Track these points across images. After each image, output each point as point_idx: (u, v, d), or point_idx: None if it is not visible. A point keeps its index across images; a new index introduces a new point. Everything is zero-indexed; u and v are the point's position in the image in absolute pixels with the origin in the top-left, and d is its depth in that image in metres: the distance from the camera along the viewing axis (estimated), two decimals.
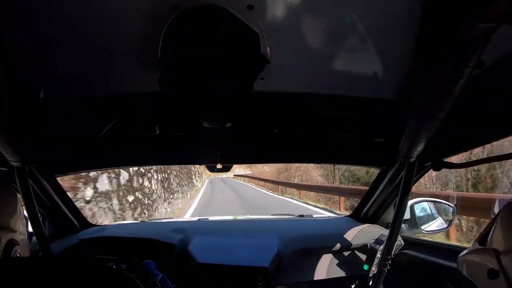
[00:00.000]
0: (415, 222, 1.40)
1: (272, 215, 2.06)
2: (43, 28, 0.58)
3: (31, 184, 0.99)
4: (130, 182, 5.44)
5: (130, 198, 5.34)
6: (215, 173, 1.39)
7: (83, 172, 3.40)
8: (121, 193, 4.84)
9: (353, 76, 0.75)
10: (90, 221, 1.59)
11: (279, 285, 1.27)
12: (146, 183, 6.65)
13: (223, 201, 12.07)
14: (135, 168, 5.75)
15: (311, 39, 0.64)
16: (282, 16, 0.57)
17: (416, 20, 0.50)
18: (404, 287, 1.33)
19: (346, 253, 1.38)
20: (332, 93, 0.83)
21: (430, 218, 1.49)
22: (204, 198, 13.72)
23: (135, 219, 5.37)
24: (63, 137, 1.03)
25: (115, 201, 4.61)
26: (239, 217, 1.98)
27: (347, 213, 1.81)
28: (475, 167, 8.13)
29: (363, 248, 1.35)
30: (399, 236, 1.18)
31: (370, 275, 1.24)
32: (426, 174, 1.19)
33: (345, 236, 1.37)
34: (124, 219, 4.80)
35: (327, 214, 6.79)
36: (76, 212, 1.47)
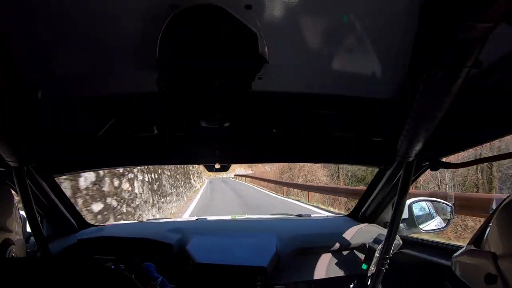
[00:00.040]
0: (413, 221, 1.41)
1: (270, 214, 2.06)
2: (41, 28, 0.58)
3: (29, 184, 0.99)
4: (99, 185, 4.27)
5: (97, 206, 4.16)
6: (215, 173, 1.39)
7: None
8: (80, 201, 3.72)
9: (352, 76, 0.75)
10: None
11: (278, 284, 1.27)
12: (126, 186, 5.40)
13: (223, 203, 11.17)
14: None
15: (309, 39, 0.64)
16: (280, 16, 0.57)
17: (415, 20, 0.50)
18: (403, 286, 1.33)
19: (344, 253, 1.38)
20: (330, 93, 0.84)
21: (428, 217, 1.49)
22: (202, 200, 12.76)
23: None
24: (61, 137, 1.03)
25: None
26: (238, 217, 1.98)
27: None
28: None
29: (362, 248, 1.36)
30: (397, 235, 1.18)
31: (368, 275, 1.25)
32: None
33: (344, 235, 1.37)
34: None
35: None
36: (75, 212, 1.46)
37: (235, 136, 1.14)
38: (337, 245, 1.33)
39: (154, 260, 1.20)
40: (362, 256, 1.34)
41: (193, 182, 18.40)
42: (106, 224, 1.98)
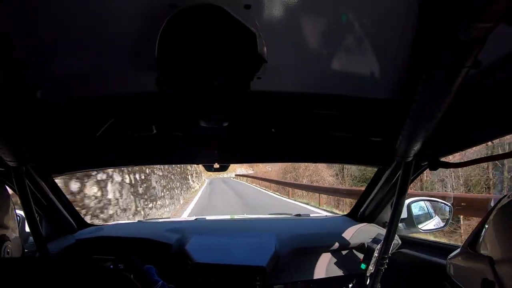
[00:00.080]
0: (412, 221, 1.41)
1: (269, 214, 2.06)
2: (41, 28, 0.58)
3: (28, 184, 0.99)
4: None
5: None
6: (215, 173, 1.39)
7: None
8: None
9: (351, 75, 0.75)
10: None
11: (277, 284, 1.27)
12: (92, 190, 4.30)
13: (224, 206, 10.27)
14: None
15: (308, 39, 0.64)
16: (279, 16, 0.57)
17: (414, 20, 0.50)
18: (402, 286, 1.33)
19: (343, 252, 1.38)
20: (329, 93, 0.84)
21: (427, 217, 1.50)
22: (201, 202, 11.82)
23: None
24: (60, 137, 1.03)
25: None
26: (237, 217, 1.98)
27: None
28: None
29: (361, 247, 1.36)
30: (396, 235, 1.19)
31: (367, 274, 1.25)
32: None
33: (343, 235, 1.37)
34: None
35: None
36: (73, 212, 1.46)
37: (234, 136, 1.14)
38: (336, 244, 1.33)
39: (153, 260, 1.20)
40: (361, 256, 1.35)
41: (191, 182, 17.27)
42: (105, 224, 1.98)
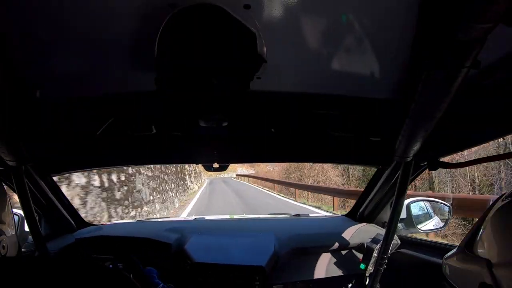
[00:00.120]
0: (411, 221, 1.41)
1: (268, 214, 2.06)
2: (40, 28, 0.58)
3: (27, 183, 0.99)
4: None
5: None
6: (215, 172, 1.39)
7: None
8: None
9: (350, 75, 0.75)
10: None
11: (276, 284, 1.27)
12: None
13: (224, 211, 8.21)
14: None
15: (308, 39, 0.64)
16: (279, 16, 0.57)
17: (414, 20, 0.50)
18: (401, 286, 1.33)
19: (342, 252, 1.38)
20: (329, 93, 0.84)
21: (426, 217, 1.49)
22: (200, 204, 10.83)
23: None
24: (59, 136, 1.03)
25: None
26: (236, 216, 1.98)
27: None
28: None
29: (360, 247, 1.36)
30: (395, 235, 1.19)
31: (366, 274, 1.25)
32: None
33: (342, 235, 1.37)
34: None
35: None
36: (73, 211, 1.46)
37: (233, 136, 1.14)
38: (336, 244, 1.33)
39: (152, 259, 1.20)
40: (360, 256, 1.35)
41: (189, 183, 15.96)
42: (104, 223, 1.98)
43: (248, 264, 1.19)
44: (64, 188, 3.73)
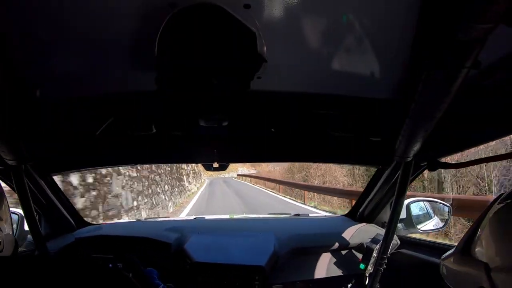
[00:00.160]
0: (411, 221, 1.41)
1: (268, 214, 2.07)
2: (40, 28, 0.58)
3: (27, 183, 0.99)
4: None
5: None
6: (215, 172, 1.39)
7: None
8: None
9: (350, 75, 0.75)
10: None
11: (276, 284, 1.27)
12: None
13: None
14: None
15: (308, 38, 0.64)
16: (279, 15, 0.57)
17: (414, 20, 0.50)
18: (400, 286, 1.33)
19: (342, 252, 1.38)
20: (329, 93, 0.84)
21: (426, 217, 1.49)
22: (198, 207, 9.85)
23: None
24: (59, 136, 1.03)
25: None
26: (236, 216, 1.98)
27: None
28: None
29: (360, 247, 1.36)
30: (395, 235, 1.19)
31: (366, 274, 1.25)
32: None
33: (342, 235, 1.37)
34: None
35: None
36: (73, 210, 1.46)
37: (233, 136, 1.14)
38: (335, 244, 1.34)
39: (152, 259, 1.20)
40: (360, 256, 1.35)
41: (186, 184, 14.55)
42: (104, 222, 1.98)
43: (247, 264, 1.19)
44: None
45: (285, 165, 19.71)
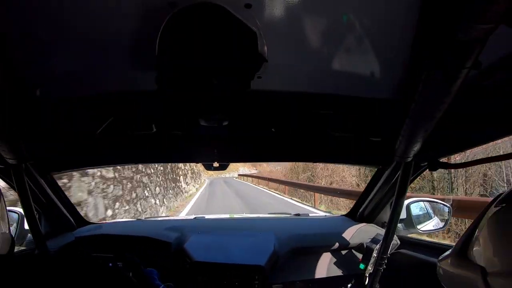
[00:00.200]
0: (411, 221, 1.41)
1: (268, 213, 2.07)
2: (40, 28, 0.58)
3: (27, 182, 0.99)
4: None
5: None
6: (216, 172, 1.40)
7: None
8: None
9: (351, 75, 0.75)
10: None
11: (275, 283, 1.27)
12: None
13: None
14: None
15: (308, 38, 0.64)
16: (280, 15, 0.57)
17: (414, 20, 0.50)
18: (400, 286, 1.33)
19: (342, 252, 1.38)
20: (329, 93, 0.84)
21: (426, 217, 1.49)
22: (196, 210, 8.92)
23: None
24: (59, 135, 1.03)
25: None
26: (236, 216, 1.98)
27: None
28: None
29: (359, 247, 1.36)
30: (395, 235, 1.19)
31: (366, 274, 1.25)
32: None
33: (342, 235, 1.37)
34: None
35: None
36: (73, 209, 1.46)
37: (234, 135, 1.14)
38: (335, 244, 1.34)
39: (152, 258, 1.20)
40: (360, 256, 1.35)
41: (184, 185, 13.40)
42: (104, 222, 1.98)
43: (247, 264, 1.19)
44: None
45: (287, 165, 19.34)
